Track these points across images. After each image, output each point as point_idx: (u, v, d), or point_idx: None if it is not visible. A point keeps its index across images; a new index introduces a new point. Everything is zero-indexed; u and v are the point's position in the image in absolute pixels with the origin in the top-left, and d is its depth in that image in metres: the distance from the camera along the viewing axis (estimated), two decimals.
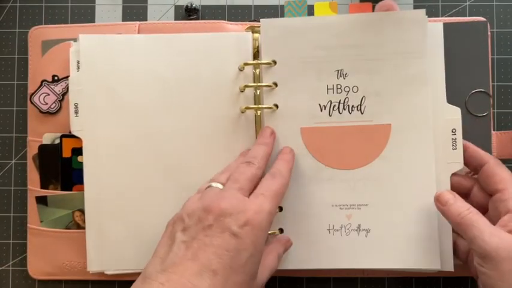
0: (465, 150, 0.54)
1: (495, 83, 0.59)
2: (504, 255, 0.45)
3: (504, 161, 0.57)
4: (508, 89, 0.59)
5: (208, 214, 0.45)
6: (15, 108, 0.61)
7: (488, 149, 0.56)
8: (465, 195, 0.54)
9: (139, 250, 0.56)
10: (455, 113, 0.55)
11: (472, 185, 0.54)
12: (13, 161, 0.61)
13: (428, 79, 0.54)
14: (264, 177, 0.50)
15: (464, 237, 0.49)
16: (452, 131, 0.54)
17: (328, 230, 0.55)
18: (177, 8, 0.62)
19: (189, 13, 0.61)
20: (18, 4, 0.62)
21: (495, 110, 0.59)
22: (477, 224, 0.47)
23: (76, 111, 0.57)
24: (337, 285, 0.59)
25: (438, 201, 0.51)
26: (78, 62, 0.57)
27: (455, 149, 0.54)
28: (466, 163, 0.54)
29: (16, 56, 0.62)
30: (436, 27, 0.55)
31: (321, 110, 0.55)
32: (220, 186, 0.50)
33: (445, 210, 0.50)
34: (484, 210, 0.52)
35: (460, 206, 0.49)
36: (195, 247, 0.44)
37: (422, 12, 0.54)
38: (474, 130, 0.56)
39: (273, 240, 0.54)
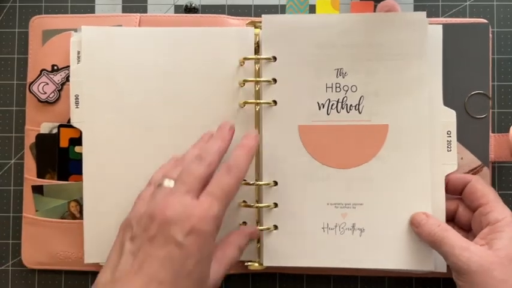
0: (447, 181, 0.55)
1: (495, 83, 0.59)
2: (475, 269, 0.46)
3: (501, 163, 0.58)
4: (508, 89, 0.59)
5: (153, 222, 0.45)
6: (14, 108, 0.61)
7: (486, 151, 0.56)
8: (451, 217, 0.55)
9: None
10: (450, 116, 0.55)
11: (456, 206, 0.55)
12: (13, 161, 0.61)
13: (426, 81, 0.54)
14: (219, 173, 0.48)
15: (439, 253, 0.50)
16: (448, 133, 0.55)
17: (323, 228, 0.55)
18: (177, 7, 0.62)
19: (188, 12, 0.61)
20: (18, 4, 0.62)
21: (495, 110, 0.59)
22: (447, 240, 0.49)
23: (76, 103, 0.57)
24: (337, 284, 0.59)
25: (412, 224, 0.53)
26: (78, 52, 0.57)
27: (450, 150, 0.55)
28: (450, 191, 0.55)
29: (16, 56, 0.62)
30: (435, 30, 0.55)
31: (319, 109, 0.55)
32: (172, 184, 0.48)
33: (419, 232, 0.52)
34: (470, 228, 0.54)
35: (431, 224, 0.51)
36: (141, 258, 0.44)
37: (423, 14, 0.54)
38: (472, 132, 0.56)
39: (234, 231, 0.53)
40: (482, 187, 0.52)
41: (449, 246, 0.48)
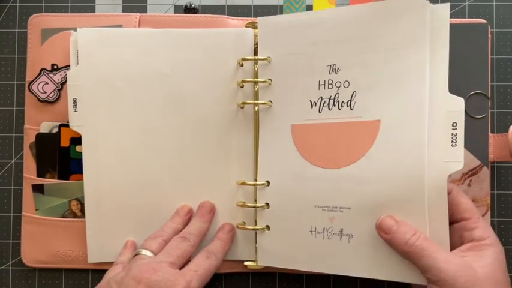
0: None
1: (494, 83, 0.59)
2: (461, 283, 0.44)
3: (501, 163, 0.58)
4: (507, 89, 0.59)
5: (138, 284, 0.48)
6: (15, 108, 0.61)
7: (485, 151, 0.56)
8: None
9: (139, 240, 0.57)
10: (457, 105, 0.48)
11: None
12: (13, 161, 0.61)
13: (426, 72, 0.48)
14: (200, 255, 0.53)
15: (416, 265, 0.47)
16: (453, 125, 0.48)
17: (311, 231, 0.53)
18: (177, 7, 0.62)
19: (188, 13, 0.61)
20: (18, 4, 0.62)
21: (494, 110, 0.59)
22: (429, 252, 0.46)
23: (75, 107, 0.57)
24: (336, 285, 0.59)
25: (380, 229, 0.49)
26: (78, 51, 0.57)
27: (455, 145, 0.48)
28: None
29: (16, 56, 0.62)
30: (441, 9, 0.49)
31: (312, 107, 0.54)
32: (150, 254, 0.52)
33: (389, 238, 0.48)
34: None
35: (406, 232, 0.47)
36: None
37: None
38: (472, 132, 0.55)
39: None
40: (465, 200, 0.49)
41: (431, 258, 0.45)
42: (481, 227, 0.48)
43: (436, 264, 0.45)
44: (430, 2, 0.49)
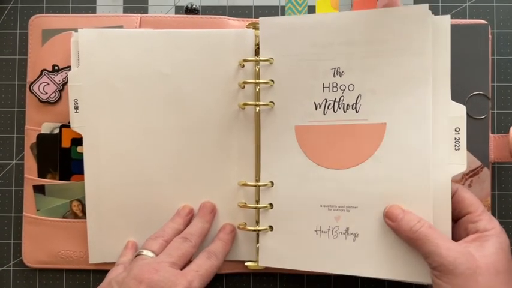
0: None
1: (495, 84, 0.59)
2: (461, 270, 0.45)
3: (501, 164, 0.58)
4: (507, 90, 0.59)
5: (140, 284, 0.49)
6: (16, 109, 0.61)
7: (486, 152, 0.56)
8: None
9: (140, 241, 0.57)
10: (459, 111, 0.51)
11: None
12: (14, 162, 0.61)
13: (429, 77, 0.51)
14: (201, 255, 0.54)
15: (418, 251, 0.48)
16: (456, 130, 0.51)
17: (316, 231, 0.54)
18: (178, 8, 0.62)
19: (189, 13, 0.61)
20: (19, 5, 0.62)
21: (495, 111, 0.59)
22: (432, 238, 0.47)
23: (76, 107, 0.57)
24: (337, 285, 0.59)
25: (388, 217, 0.50)
26: (78, 52, 0.57)
27: (458, 149, 0.51)
28: None
29: (17, 57, 0.62)
30: (443, 20, 0.51)
31: (316, 109, 0.54)
32: (151, 254, 0.52)
33: (395, 226, 0.50)
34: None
35: (411, 220, 0.49)
36: None
37: (425, 7, 0.51)
38: (472, 132, 0.55)
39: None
40: (469, 195, 0.50)
41: (433, 245, 0.47)
42: (485, 219, 0.49)
43: (437, 250, 0.46)
44: (430, 8, 0.51)
